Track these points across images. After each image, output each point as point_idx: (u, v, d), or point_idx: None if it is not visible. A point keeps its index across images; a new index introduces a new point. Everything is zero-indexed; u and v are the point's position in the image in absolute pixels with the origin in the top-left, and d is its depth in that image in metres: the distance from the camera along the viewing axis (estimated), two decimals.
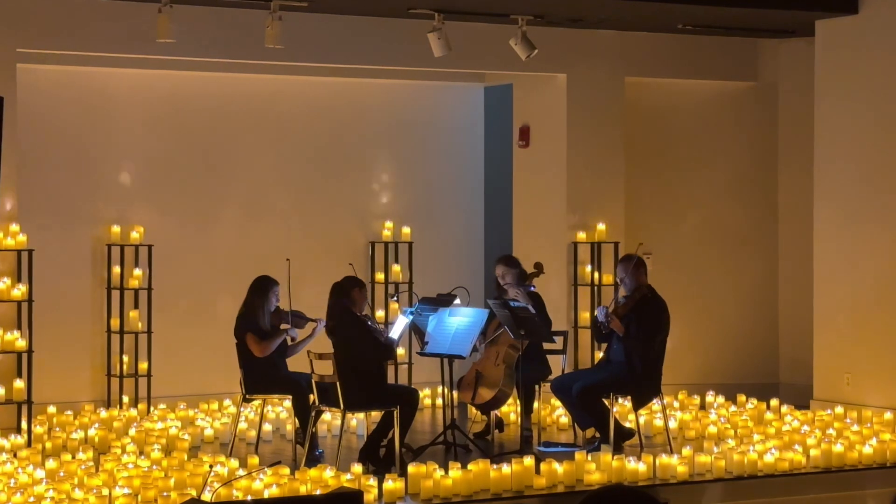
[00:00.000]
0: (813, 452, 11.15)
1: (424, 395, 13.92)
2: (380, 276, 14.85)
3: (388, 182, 15.18)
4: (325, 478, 9.94)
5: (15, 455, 11.11)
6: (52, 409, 12.93)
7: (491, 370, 11.94)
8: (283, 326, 11.67)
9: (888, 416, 12.63)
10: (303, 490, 9.72)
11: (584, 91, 14.67)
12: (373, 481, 9.93)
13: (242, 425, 12.49)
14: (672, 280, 14.85)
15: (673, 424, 12.67)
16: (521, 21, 13.05)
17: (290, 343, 11.69)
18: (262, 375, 11.55)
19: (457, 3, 12.84)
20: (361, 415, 12.21)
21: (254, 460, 10.74)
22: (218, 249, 14.36)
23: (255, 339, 11.49)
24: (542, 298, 12.30)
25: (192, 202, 14.30)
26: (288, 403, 12.13)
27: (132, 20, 12.74)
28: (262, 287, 11.64)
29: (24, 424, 12.04)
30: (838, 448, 11.18)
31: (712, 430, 12.46)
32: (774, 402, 13.61)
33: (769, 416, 13.20)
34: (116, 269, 13.73)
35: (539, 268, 12.37)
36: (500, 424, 12.65)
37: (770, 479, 10.80)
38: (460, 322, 11.66)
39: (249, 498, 9.44)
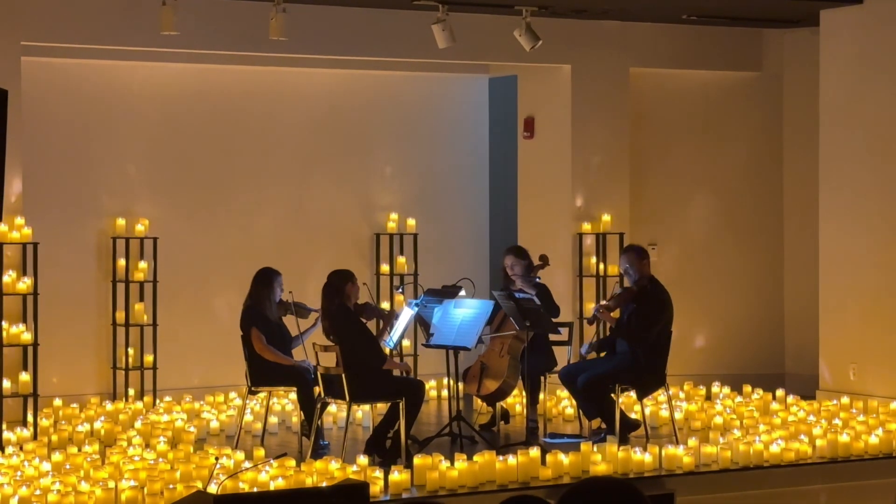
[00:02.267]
0: (819, 443, 11.14)
1: (430, 386, 13.91)
2: (385, 268, 14.85)
3: (392, 174, 15.17)
4: (331, 470, 9.93)
5: (21, 448, 11.12)
6: (57, 402, 12.94)
7: (495, 361, 11.94)
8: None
9: (894, 406, 12.62)
10: (309, 482, 9.72)
11: (588, 82, 14.66)
12: (379, 473, 9.94)
13: (248, 417, 12.49)
14: (677, 270, 14.85)
15: (679, 415, 12.67)
16: (525, 12, 13.03)
17: (297, 341, 11.68)
18: (267, 368, 11.55)
19: None
20: (367, 406, 12.21)
21: (259, 452, 10.74)
22: (223, 242, 14.35)
23: (259, 337, 11.47)
24: (549, 289, 12.31)
25: (197, 195, 14.29)
26: (293, 395, 12.13)
27: (136, 13, 12.73)
28: (266, 278, 11.64)
29: (29, 417, 12.04)
30: (844, 438, 11.17)
31: (718, 420, 12.45)
32: (780, 392, 13.60)
33: (775, 406, 13.19)
34: (121, 262, 13.73)
35: (544, 260, 12.37)
36: (505, 416, 12.65)
37: (776, 470, 10.79)
38: (465, 314, 11.65)
39: (255, 490, 9.45)
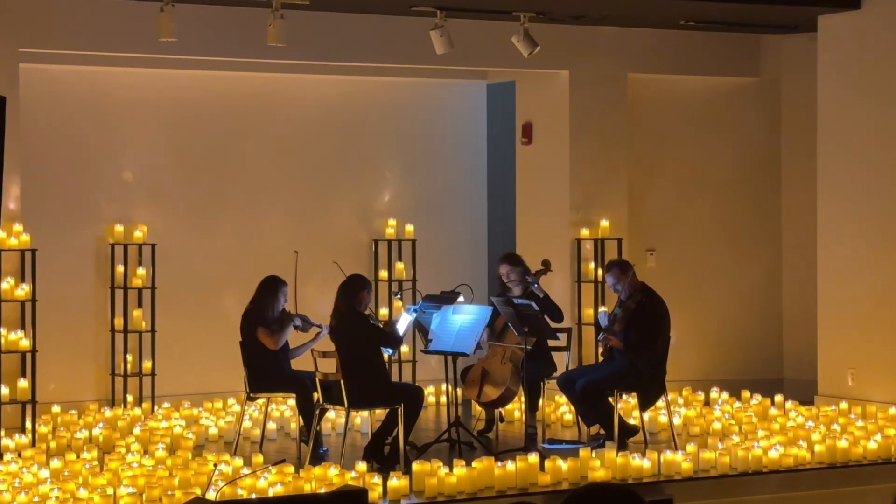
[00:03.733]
0: (817, 448, 11.14)
1: (429, 392, 13.91)
2: (383, 274, 14.84)
3: (391, 180, 15.18)
4: (330, 476, 9.94)
5: (20, 455, 11.12)
6: (56, 409, 12.94)
7: (497, 368, 11.93)
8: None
9: (892, 411, 12.62)
10: (307, 488, 9.72)
11: (586, 88, 14.67)
12: (377, 479, 9.94)
13: (247, 424, 12.49)
14: (675, 276, 14.85)
15: (677, 421, 12.67)
16: (523, 18, 13.04)
17: (297, 328, 11.69)
18: (266, 374, 11.55)
19: (459, 1, 12.83)
20: (366, 413, 12.21)
21: (258, 459, 10.74)
22: (221, 248, 14.35)
23: (266, 333, 11.50)
24: (548, 294, 12.30)
25: (196, 201, 14.29)
26: (292, 402, 12.13)
27: (134, 19, 12.74)
28: (272, 287, 11.63)
29: (28, 424, 12.04)
30: (843, 444, 11.17)
31: (717, 426, 12.46)
32: (779, 397, 13.61)
33: (773, 411, 13.20)
34: (120, 269, 13.73)
35: (547, 265, 12.36)
36: (500, 416, 12.63)
37: (774, 475, 10.79)
38: (464, 319, 11.66)
39: (254, 496, 9.45)
